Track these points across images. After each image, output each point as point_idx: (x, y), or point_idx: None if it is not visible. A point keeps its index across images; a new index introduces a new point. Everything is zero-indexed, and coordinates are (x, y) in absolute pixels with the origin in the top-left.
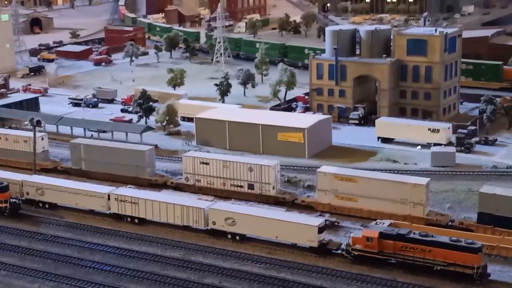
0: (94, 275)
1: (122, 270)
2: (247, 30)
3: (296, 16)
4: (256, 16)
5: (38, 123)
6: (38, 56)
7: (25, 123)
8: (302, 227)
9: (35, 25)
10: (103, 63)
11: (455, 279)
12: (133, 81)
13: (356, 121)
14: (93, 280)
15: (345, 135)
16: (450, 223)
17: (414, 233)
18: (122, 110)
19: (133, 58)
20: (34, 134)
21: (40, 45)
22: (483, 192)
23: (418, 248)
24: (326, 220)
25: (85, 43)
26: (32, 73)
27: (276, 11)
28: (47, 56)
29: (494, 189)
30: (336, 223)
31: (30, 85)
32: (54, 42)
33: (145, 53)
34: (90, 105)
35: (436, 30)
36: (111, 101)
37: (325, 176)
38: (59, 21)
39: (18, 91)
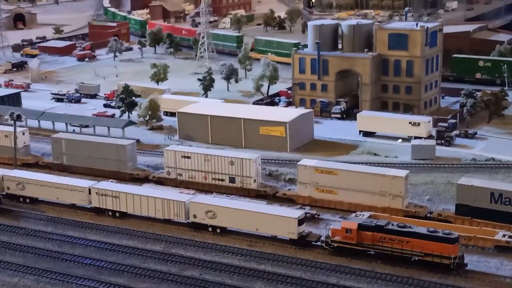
0: (74, 269)
1: (103, 263)
2: (232, 25)
3: (281, 12)
4: (241, 12)
5: (19, 117)
6: (21, 52)
7: (5, 117)
8: (282, 219)
9: (19, 20)
10: (87, 59)
11: (432, 269)
12: (117, 76)
13: (338, 115)
14: (73, 273)
15: (327, 129)
16: (428, 214)
17: (392, 225)
18: (105, 105)
19: (117, 54)
20: (15, 129)
21: (23, 40)
22: (460, 184)
23: (396, 239)
24: (306, 213)
25: (69, 38)
26: (14, 69)
27: (261, 7)
28: (30, 51)
29: (471, 180)
30: (316, 216)
31: (12, 80)
32: (37, 38)
33: (129, 49)
34: (73, 100)
35: (417, 24)
36: (94, 96)
37: (306, 169)
38: (43, 16)
39: (0, 86)
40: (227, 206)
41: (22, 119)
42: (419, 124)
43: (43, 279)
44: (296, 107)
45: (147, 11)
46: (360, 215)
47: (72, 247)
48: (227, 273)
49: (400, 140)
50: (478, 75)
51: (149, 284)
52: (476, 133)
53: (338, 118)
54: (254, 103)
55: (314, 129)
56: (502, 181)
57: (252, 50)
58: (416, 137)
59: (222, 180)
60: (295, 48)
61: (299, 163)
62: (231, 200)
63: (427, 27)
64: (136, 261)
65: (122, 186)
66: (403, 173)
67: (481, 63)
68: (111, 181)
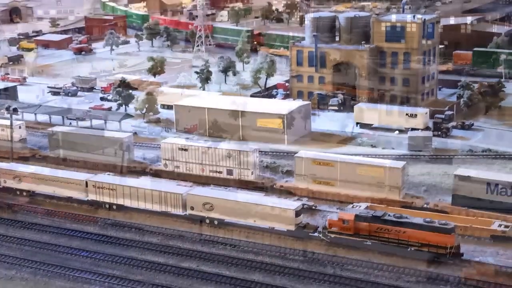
0: (71, 261)
1: (100, 256)
2: (229, 18)
3: (279, 5)
4: (239, 5)
5: (15, 111)
6: (17, 45)
7: (1, 111)
8: (280, 211)
9: (15, 14)
10: (83, 52)
11: (429, 259)
12: (114, 70)
13: (336, 107)
14: (70, 266)
15: (325, 121)
16: (425, 205)
17: (389, 215)
18: (102, 99)
19: (114, 47)
20: (11, 122)
21: (19, 34)
22: (457, 174)
23: (393, 229)
24: (303, 204)
25: (65, 32)
26: (10, 62)
27: (259, 0)
28: (26, 45)
29: (468, 171)
30: (313, 207)
31: (8, 74)
32: (33, 31)
33: (126, 42)
34: (69, 94)
35: (414, 16)
36: (90, 89)
37: (303, 161)
38: (39, 10)
39: None
40: (225, 198)
41: (19, 112)
42: (416, 115)
43: (40, 271)
44: (294, 100)
45: (144, 4)
46: (357, 206)
47: (69, 240)
48: (225, 265)
49: (397, 131)
50: (499, 69)
51: (147, 275)
52: (472, 125)
53: (336, 110)
54: (251, 96)
55: (311, 121)
56: (499, 172)
57: (262, 45)
58: (413, 129)
59: (220, 172)
60: (293, 41)
61: (296, 155)
62: (228, 192)
63: (424, 19)
64: (133, 253)
65: (119, 179)
66: (400, 164)
67: (503, 57)
68: (108, 174)
